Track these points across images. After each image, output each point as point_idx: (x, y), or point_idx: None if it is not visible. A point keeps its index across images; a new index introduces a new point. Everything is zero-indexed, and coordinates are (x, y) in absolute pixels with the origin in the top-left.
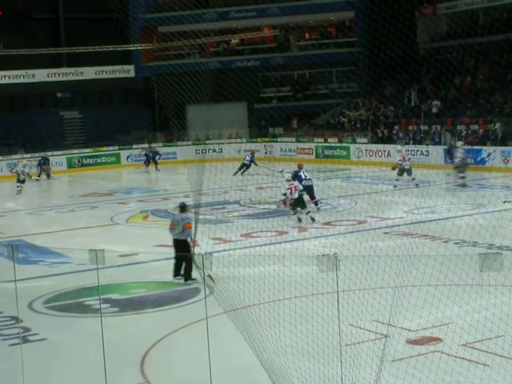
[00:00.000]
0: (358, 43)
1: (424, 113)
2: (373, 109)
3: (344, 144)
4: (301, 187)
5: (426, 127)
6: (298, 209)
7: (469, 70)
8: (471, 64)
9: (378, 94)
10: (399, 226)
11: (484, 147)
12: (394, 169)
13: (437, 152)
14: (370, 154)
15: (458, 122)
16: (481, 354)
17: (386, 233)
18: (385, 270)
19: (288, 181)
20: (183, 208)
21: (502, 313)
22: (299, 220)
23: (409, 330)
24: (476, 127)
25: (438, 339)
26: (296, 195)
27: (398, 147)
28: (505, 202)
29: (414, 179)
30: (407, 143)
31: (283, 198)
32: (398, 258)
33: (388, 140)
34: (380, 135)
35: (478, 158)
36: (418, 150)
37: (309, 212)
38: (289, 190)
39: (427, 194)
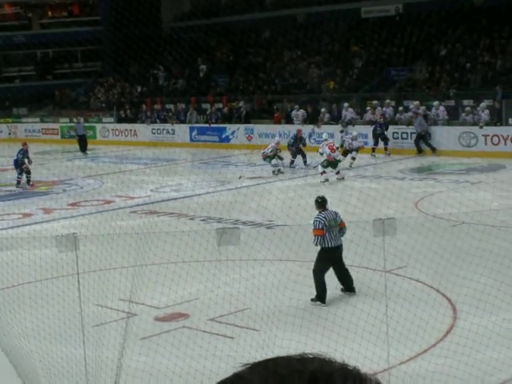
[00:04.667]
0: (101, 22)
1: (169, 91)
2: (118, 88)
3: (90, 124)
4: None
5: (172, 106)
6: None
7: (212, 48)
8: (213, 43)
9: (123, 73)
10: (146, 204)
11: (228, 125)
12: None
13: (182, 130)
14: (117, 133)
15: (202, 100)
16: (225, 327)
17: (133, 212)
18: (125, 248)
19: None
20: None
21: (241, 286)
22: None
23: (156, 308)
24: (220, 105)
25: (186, 315)
26: None
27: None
28: (240, 177)
29: (338, 173)
30: (153, 122)
31: None
32: (138, 236)
33: (134, 119)
34: (124, 115)
35: (223, 136)
36: (164, 129)
37: None
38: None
39: (173, 172)
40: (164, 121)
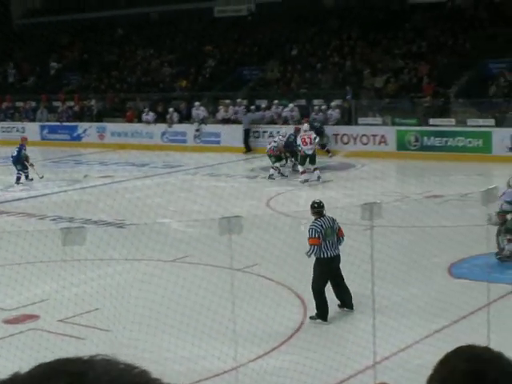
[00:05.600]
0: None
1: (19, 89)
2: None
3: None
4: None
5: (22, 103)
6: None
7: (64, 45)
8: (65, 41)
9: None
10: None
11: (80, 123)
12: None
13: (32, 129)
14: None
15: (53, 98)
16: (73, 328)
17: None
18: None
19: None
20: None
21: (88, 287)
22: None
23: (2, 310)
24: (72, 103)
25: (33, 317)
26: None
27: (305, 126)
28: (85, 176)
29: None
30: (2, 120)
31: None
32: None
33: None
34: None
35: (74, 134)
36: (13, 127)
37: None
38: None
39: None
40: (13, 119)
